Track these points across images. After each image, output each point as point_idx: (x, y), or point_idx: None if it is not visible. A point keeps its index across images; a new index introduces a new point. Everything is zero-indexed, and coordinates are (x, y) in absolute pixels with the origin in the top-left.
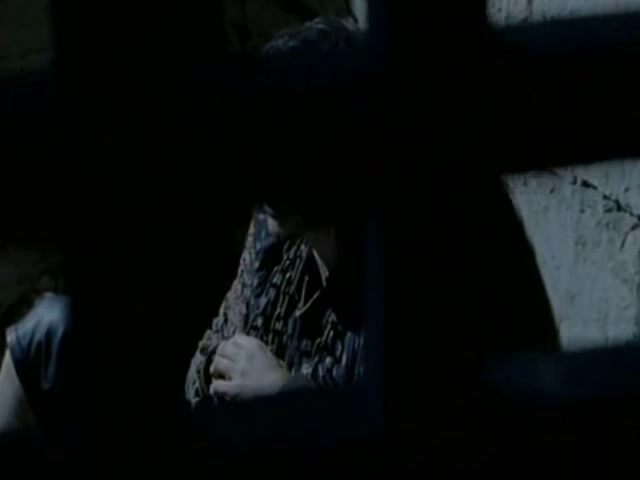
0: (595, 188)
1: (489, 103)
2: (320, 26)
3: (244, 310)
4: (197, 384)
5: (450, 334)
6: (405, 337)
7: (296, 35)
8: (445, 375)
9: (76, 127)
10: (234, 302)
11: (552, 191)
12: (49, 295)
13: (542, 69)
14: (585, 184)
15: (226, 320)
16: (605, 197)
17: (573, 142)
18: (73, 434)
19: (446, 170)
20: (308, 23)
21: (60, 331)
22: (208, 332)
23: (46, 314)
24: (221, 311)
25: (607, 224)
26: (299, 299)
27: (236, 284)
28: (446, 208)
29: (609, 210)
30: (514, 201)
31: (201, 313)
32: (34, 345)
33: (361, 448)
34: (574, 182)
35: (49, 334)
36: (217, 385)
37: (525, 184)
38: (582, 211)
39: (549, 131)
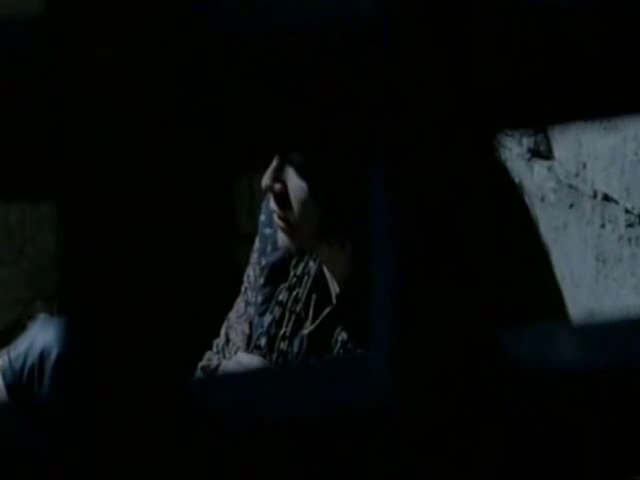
0: (616, 202)
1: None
2: None
3: (247, 330)
4: None
5: (463, 301)
6: (415, 305)
7: None
8: (459, 344)
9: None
10: (236, 321)
11: (571, 206)
12: (42, 316)
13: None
14: (606, 198)
15: (227, 341)
16: (627, 211)
17: (571, 97)
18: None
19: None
20: None
21: (54, 353)
22: (208, 353)
23: (39, 336)
24: (222, 331)
25: (629, 239)
26: (306, 317)
27: (239, 302)
28: (448, 166)
29: (631, 225)
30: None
31: (200, 332)
32: (27, 368)
33: (370, 418)
34: (594, 196)
35: (42, 356)
36: None
37: (543, 199)
38: (603, 226)
39: (548, 86)
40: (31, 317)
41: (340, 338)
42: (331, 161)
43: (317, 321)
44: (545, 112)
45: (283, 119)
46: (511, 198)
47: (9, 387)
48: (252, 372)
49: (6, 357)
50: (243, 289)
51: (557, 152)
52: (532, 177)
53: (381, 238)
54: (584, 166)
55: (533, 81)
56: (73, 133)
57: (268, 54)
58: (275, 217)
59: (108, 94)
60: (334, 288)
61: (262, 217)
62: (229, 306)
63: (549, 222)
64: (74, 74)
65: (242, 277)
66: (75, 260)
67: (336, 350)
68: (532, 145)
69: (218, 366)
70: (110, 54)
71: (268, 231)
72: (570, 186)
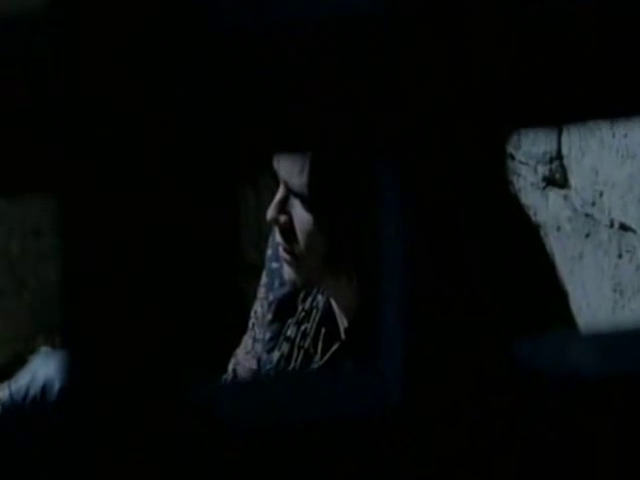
0: (634, 231)
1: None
2: None
3: (254, 366)
4: None
5: (476, 310)
6: (427, 313)
7: None
8: (472, 353)
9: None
10: (243, 358)
11: (588, 236)
12: (45, 350)
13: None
14: (623, 227)
15: (235, 377)
16: None
17: (574, 96)
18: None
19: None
20: None
21: (56, 386)
22: None
23: (41, 369)
24: (229, 368)
25: None
26: (315, 352)
27: (246, 339)
28: (449, 166)
29: None
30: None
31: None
32: (28, 401)
33: (380, 426)
34: (611, 225)
35: (45, 389)
36: None
37: (559, 229)
38: (620, 256)
39: (550, 84)
40: (32, 351)
41: None
42: (337, 191)
43: (326, 356)
44: (549, 110)
45: (283, 119)
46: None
47: None
48: (261, 380)
49: (7, 390)
50: (250, 325)
51: (573, 180)
52: (547, 206)
53: (391, 244)
54: (601, 195)
55: (535, 78)
56: (73, 132)
57: (268, 53)
58: (281, 250)
59: (108, 94)
60: (342, 322)
61: (269, 251)
62: (236, 343)
63: (565, 252)
64: (74, 74)
65: (249, 312)
66: (75, 265)
67: None
68: (547, 173)
69: None
70: (110, 54)
71: (275, 265)
72: (586, 215)
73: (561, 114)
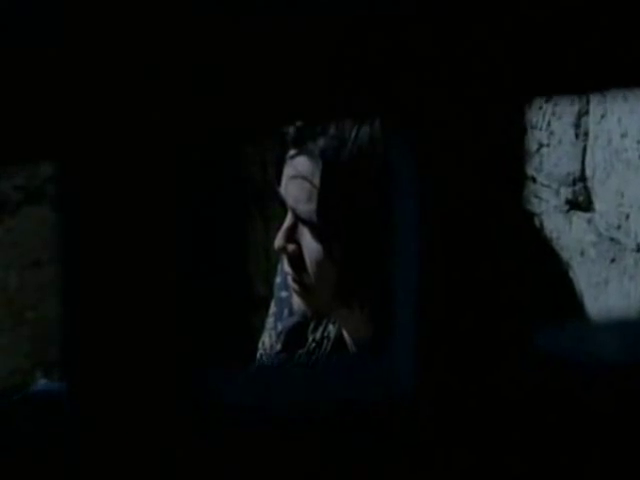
0: None
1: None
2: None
3: None
4: None
5: (493, 294)
6: (441, 297)
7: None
8: (487, 336)
9: None
10: None
11: (613, 261)
12: (42, 381)
13: None
14: None
15: None
16: None
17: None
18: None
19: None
20: None
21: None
22: None
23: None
24: None
25: None
26: None
27: None
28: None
29: None
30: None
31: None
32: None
33: (391, 408)
34: (638, 250)
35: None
36: None
37: (582, 254)
38: None
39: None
40: (30, 385)
41: None
42: (347, 218)
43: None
44: (570, 77)
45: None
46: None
47: None
48: (273, 366)
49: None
50: (258, 356)
51: (597, 203)
52: (570, 230)
53: (405, 231)
54: (627, 217)
55: (556, 44)
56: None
57: None
58: (290, 280)
59: None
60: (354, 352)
61: (278, 279)
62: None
63: (589, 278)
64: None
65: (257, 343)
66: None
67: None
68: (570, 196)
69: None
70: None
71: (284, 294)
72: (611, 239)
73: (582, 81)
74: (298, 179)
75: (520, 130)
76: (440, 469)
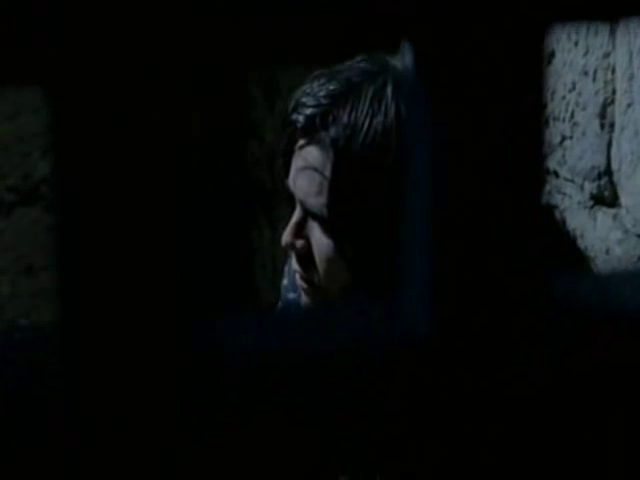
0: None
1: None
2: (363, 64)
3: None
4: None
5: (509, 236)
6: (454, 238)
7: (336, 75)
8: (503, 281)
9: None
10: None
11: None
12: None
13: None
14: None
15: None
16: None
17: None
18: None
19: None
20: (349, 62)
21: None
22: None
23: None
24: None
25: None
26: None
27: None
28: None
29: None
30: None
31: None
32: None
33: (406, 352)
34: None
35: None
36: None
37: (608, 252)
38: None
39: None
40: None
41: None
42: (359, 212)
43: None
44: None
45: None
46: None
47: None
48: (288, 311)
49: None
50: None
51: (623, 198)
52: (595, 228)
53: (419, 167)
54: None
55: None
56: None
57: None
58: (298, 278)
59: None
60: None
61: (284, 281)
62: None
63: None
64: None
65: None
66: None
67: None
68: (595, 191)
69: None
70: None
71: (292, 296)
72: (639, 236)
73: (598, 8)
74: (308, 171)
75: (539, 60)
76: (455, 412)
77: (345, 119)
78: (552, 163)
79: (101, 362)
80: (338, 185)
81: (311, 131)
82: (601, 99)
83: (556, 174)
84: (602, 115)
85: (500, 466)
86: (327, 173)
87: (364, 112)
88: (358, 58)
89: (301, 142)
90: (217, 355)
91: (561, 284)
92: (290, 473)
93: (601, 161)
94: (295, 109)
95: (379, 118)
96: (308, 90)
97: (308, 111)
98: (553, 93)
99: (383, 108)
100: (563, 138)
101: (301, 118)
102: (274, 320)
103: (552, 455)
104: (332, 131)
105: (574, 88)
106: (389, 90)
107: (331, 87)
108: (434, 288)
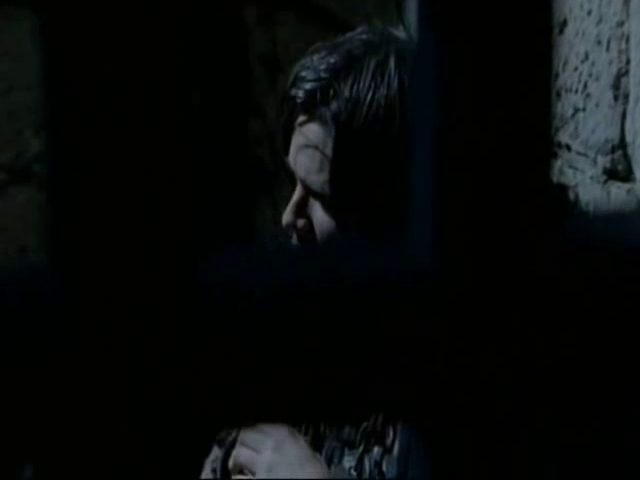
0: None
1: None
2: (365, 36)
3: None
4: None
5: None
6: (460, 168)
7: (337, 48)
8: (509, 216)
9: None
10: None
11: None
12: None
13: None
14: None
15: None
16: None
17: None
18: None
19: None
20: (350, 34)
21: None
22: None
23: None
24: None
25: None
26: None
27: None
28: None
29: None
30: None
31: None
32: None
33: (408, 288)
34: None
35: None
36: None
37: None
38: None
39: None
40: None
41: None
42: (362, 190)
43: None
44: None
45: None
46: None
47: None
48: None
49: None
50: None
51: (638, 172)
52: (609, 203)
53: (424, 95)
54: None
55: None
56: None
57: None
58: None
59: None
60: None
61: None
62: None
63: None
64: None
65: None
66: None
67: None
68: (609, 165)
69: (235, 438)
70: None
71: None
72: None
73: None
74: (308, 148)
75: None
76: (461, 347)
77: (346, 93)
78: (564, 136)
79: (100, 289)
80: (340, 161)
81: (311, 107)
82: (615, 69)
83: (568, 148)
84: (616, 86)
85: (507, 407)
86: (328, 150)
87: (366, 85)
88: (359, 29)
89: (301, 118)
90: (217, 288)
91: (572, 222)
92: (281, 406)
93: (615, 134)
94: (294, 84)
95: (382, 91)
96: (308, 64)
97: (308, 86)
98: (565, 64)
99: (386, 81)
100: (575, 110)
101: (301, 93)
102: (273, 254)
103: (563, 396)
104: (333, 106)
105: (587, 58)
106: (392, 62)
107: (332, 60)
108: (440, 223)
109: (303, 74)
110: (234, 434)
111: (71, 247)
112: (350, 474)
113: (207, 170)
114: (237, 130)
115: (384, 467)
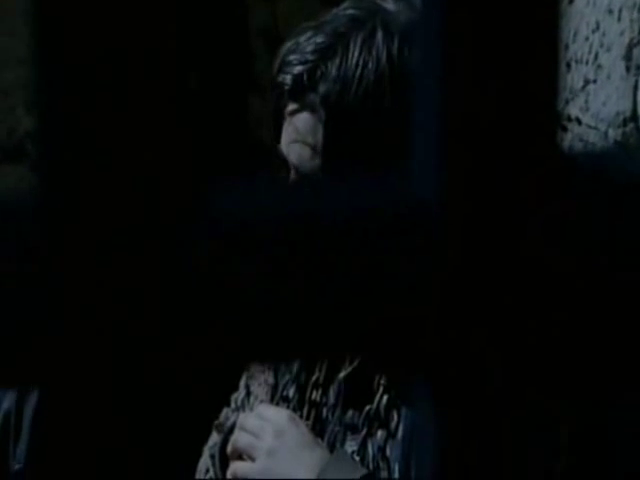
0: None
1: None
2: (350, 12)
3: (271, 379)
4: (211, 472)
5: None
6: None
7: (322, 27)
8: (511, 143)
9: None
10: (258, 371)
11: None
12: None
13: None
14: None
15: (248, 394)
16: None
17: None
18: None
19: None
20: (335, 10)
21: (34, 397)
22: (225, 410)
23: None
24: (242, 384)
25: None
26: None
27: None
28: None
29: None
30: None
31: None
32: (1, 415)
33: (409, 222)
34: None
35: (19, 401)
36: (236, 468)
37: None
38: None
39: None
40: None
41: (383, 382)
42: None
43: (355, 362)
44: None
45: None
46: None
47: None
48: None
49: None
50: None
51: None
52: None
53: (428, 67)
54: None
55: None
56: None
57: None
58: None
59: None
60: None
61: None
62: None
63: None
64: None
65: None
66: None
67: (378, 397)
68: (620, 138)
69: (235, 424)
70: None
71: None
72: None
73: None
74: (300, 138)
75: None
76: (463, 280)
77: (334, 73)
78: (574, 109)
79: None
80: (333, 144)
81: (300, 94)
82: (627, 40)
83: (578, 121)
84: (628, 57)
85: (512, 345)
86: (320, 136)
87: (354, 62)
88: (345, 4)
89: (290, 107)
90: (213, 219)
91: (574, 155)
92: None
93: (627, 106)
94: (281, 69)
95: (370, 66)
96: (293, 47)
97: (295, 70)
98: (575, 34)
99: (374, 55)
100: (586, 82)
101: (288, 79)
102: (275, 185)
103: (570, 334)
104: (322, 89)
105: (598, 28)
106: (379, 35)
107: (318, 40)
108: (442, 151)
109: (290, 58)
110: (232, 419)
111: (55, 229)
112: (352, 458)
113: (206, 146)
114: (237, 107)
115: (387, 452)
